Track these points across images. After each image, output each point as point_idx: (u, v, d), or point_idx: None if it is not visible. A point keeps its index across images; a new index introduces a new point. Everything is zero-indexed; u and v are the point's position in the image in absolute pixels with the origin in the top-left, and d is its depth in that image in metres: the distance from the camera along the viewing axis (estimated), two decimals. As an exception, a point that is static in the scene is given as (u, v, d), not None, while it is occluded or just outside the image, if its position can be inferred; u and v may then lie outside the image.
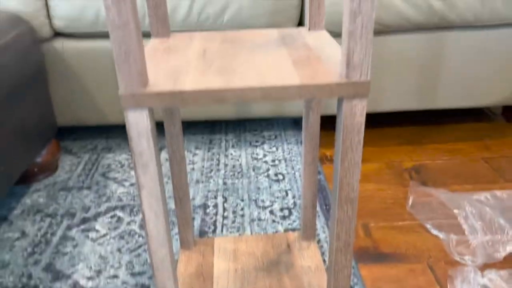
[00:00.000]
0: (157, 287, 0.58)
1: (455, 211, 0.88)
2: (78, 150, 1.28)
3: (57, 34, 1.15)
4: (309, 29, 0.67)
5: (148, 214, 0.53)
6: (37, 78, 1.06)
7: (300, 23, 1.17)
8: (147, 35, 1.09)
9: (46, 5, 1.10)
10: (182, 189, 0.79)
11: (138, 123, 0.47)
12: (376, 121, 1.40)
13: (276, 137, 1.33)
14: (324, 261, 0.83)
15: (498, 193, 0.97)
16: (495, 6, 1.11)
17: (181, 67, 0.52)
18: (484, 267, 0.79)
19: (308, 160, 0.78)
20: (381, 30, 1.14)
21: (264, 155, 1.22)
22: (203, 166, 1.18)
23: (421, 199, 1.00)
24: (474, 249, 0.82)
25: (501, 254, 0.80)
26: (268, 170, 1.15)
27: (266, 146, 1.27)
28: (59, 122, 1.22)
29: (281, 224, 0.94)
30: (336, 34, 1.08)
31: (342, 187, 0.53)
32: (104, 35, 1.13)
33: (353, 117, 0.49)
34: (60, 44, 1.14)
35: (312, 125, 0.75)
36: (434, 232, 0.90)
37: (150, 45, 0.62)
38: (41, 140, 1.07)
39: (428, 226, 0.91)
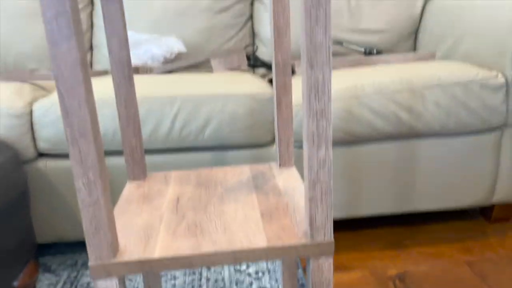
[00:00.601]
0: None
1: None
2: (57, 266, 1.25)
3: (41, 154, 1.17)
4: (279, 166, 0.71)
5: None
6: (19, 200, 1.06)
7: (277, 135, 1.22)
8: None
9: (31, 128, 1.14)
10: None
11: (108, 292, 0.48)
12: (358, 224, 1.41)
13: (259, 244, 1.32)
14: None
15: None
16: (460, 116, 1.18)
17: (152, 225, 0.54)
18: None
19: (287, 286, 0.78)
20: (354, 140, 1.20)
21: (247, 266, 1.21)
22: (184, 282, 1.15)
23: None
24: None
25: None
26: (251, 284, 1.13)
27: (249, 255, 1.26)
28: (39, 239, 1.21)
29: None
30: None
31: None
32: (87, 154, 1.16)
33: (321, 274, 0.50)
34: (44, 163, 1.17)
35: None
36: None
37: (126, 191, 0.65)
38: (19, 263, 1.05)
39: None
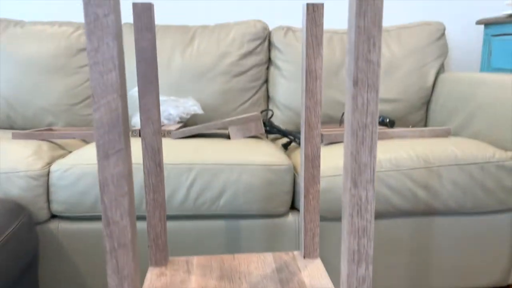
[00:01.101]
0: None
1: None
2: (59, 332, 1.20)
3: (54, 216, 1.17)
4: (304, 257, 0.70)
5: None
6: (30, 265, 1.04)
7: (292, 206, 1.21)
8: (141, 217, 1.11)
9: (47, 190, 1.13)
10: None
11: None
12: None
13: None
14: None
15: None
16: (476, 196, 1.18)
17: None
18: None
19: None
20: (370, 215, 1.18)
21: None
22: None
23: None
24: None
25: None
26: None
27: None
28: (44, 303, 1.18)
29: None
30: (325, 218, 1.11)
31: None
32: (101, 218, 1.15)
33: None
34: (56, 225, 1.15)
35: None
36: None
37: (148, 281, 0.63)
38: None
39: None
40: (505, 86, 1.29)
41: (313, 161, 0.65)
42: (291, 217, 1.20)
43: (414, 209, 1.17)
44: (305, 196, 0.68)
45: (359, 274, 0.44)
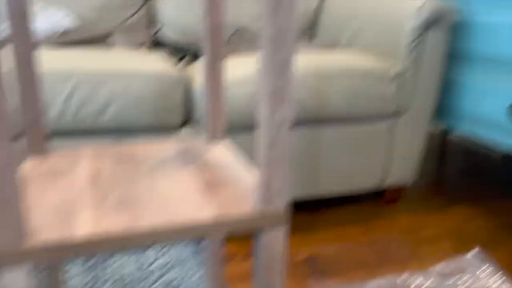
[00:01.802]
0: None
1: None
2: None
3: None
4: (209, 140, 0.65)
5: None
6: None
7: (186, 121, 1.15)
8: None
9: None
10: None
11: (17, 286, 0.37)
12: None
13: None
14: None
15: (389, 277, 1.01)
16: (360, 104, 1.24)
17: (69, 203, 0.44)
18: None
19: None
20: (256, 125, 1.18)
21: (150, 264, 1.11)
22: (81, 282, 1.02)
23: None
24: None
25: None
26: (159, 278, 1.04)
27: (151, 252, 1.16)
28: None
29: None
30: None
31: None
32: None
33: (274, 248, 0.46)
34: None
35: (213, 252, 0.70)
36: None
37: (26, 168, 0.52)
38: None
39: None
40: (385, 1, 1.36)
41: (218, 32, 0.59)
42: (184, 133, 1.13)
43: (304, 118, 1.20)
44: (210, 71, 0.62)
45: (280, 115, 0.40)
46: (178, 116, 1.11)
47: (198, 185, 0.49)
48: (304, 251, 1.20)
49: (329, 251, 1.20)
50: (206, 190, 0.48)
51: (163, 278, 1.04)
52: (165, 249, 1.16)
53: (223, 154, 0.59)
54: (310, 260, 1.16)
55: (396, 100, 1.29)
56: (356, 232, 1.31)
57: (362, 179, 1.35)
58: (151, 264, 1.10)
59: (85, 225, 0.39)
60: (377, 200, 1.53)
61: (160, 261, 1.11)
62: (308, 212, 1.43)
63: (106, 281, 1.03)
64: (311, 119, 1.21)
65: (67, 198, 0.45)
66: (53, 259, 0.37)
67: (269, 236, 0.45)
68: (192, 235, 0.42)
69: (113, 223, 0.40)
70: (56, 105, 0.99)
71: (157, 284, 1.02)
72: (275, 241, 0.45)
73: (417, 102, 1.33)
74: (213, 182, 0.50)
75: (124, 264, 1.10)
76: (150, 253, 1.15)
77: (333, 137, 1.27)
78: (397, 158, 1.38)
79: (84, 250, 0.38)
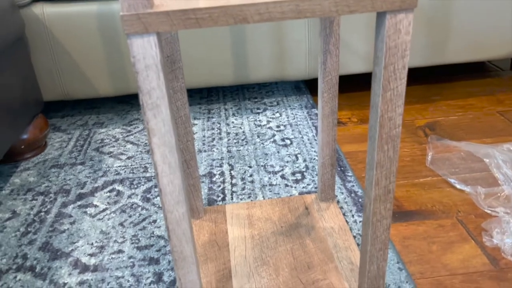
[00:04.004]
0: (173, 252, 0.50)
1: (486, 160, 0.82)
2: (67, 127, 1.19)
3: (36, -2, 1.05)
4: None
5: (161, 167, 0.45)
6: (18, 46, 0.96)
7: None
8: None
9: (22, -35, 0.99)
10: (188, 152, 0.72)
11: (146, 53, 0.40)
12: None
13: (278, 103, 1.25)
14: (347, 222, 0.77)
15: (521, 143, 0.91)
16: None
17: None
18: (519, 218, 0.73)
19: (326, 112, 0.71)
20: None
21: (268, 122, 1.15)
22: (204, 136, 1.10)
23: (440, 155, 0.94)
24: (507, 200, 0.76)
25: (535, 203, 0.75)
26: (273, 136, 1.08)
27: (268, 113, 1.20)
28: (45, 96, 1.13)
29: (295, 188, 0.88)
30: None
31: (383, 123, 0.46)
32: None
33: (397, 36, 0.42)
34: (40, 9, 1.04)
35: (330, 71, 0.68)
36: (459, 186, 0.84)
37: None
38: (26, 115, 0.98)
39: (452, 181, 0.86)
40: None
41: None
42: None
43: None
44: None
45: None
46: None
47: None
48: (424, 118, 1.13)
49: (453, 118, 1.12)
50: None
51: (278, 135, 1.08)
52: (277, 114, 1.19)
53: None
54: (432, 125, 1.09)
55: None
56: (485, 102, 1.19)
57: (494, 46, 1.18)
58: (267, 123, 1.14)
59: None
60: (509, 74, 1.35)
61: (275, 123, 1.14)
62: (433, 82, 1.33)
63: (228, 133, 1.10)
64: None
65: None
66: (176, 28, 0.38)
67: (394, 20, 0.41)
68: (312, 10, 0.39)
69: None
70: None
71: (272, 139, 1.06)
72: (400, 27, 0.41)
73: None
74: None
75: (244, 123, 1.15)
76: (266, 116, 1.18)
77: (465, 2, 1.10)
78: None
79: (205, 19, 0.39)
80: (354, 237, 0.73)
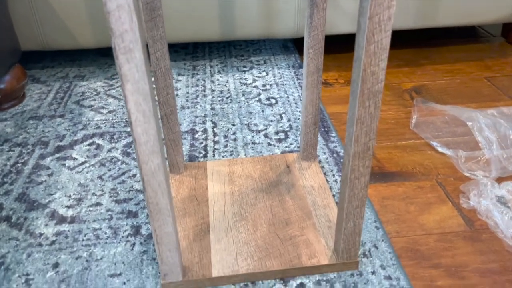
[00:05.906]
0: (148, 204, 0.50)
1: (469, 123, 0.82)
2: (47, 78, 1.15)
3: None
4: None
5: (135, 115, 0.44)
6: (-8, -11, 0.91)
7: None
8: None
9: None
10: (169, 105, 0.70)
11: (117, -9, 0.37)
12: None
13: (265, 62, 1.23)
14: (327, 181, 0.77)
15: (505, 109, 0.91)
16: None
17: None
18: (497, 181, 0.74)
19: (311, 69, 0.69)
20: None
21: (254, 80, 1.13)
22: (187, 92, 1.08)
23: (425, 118, 0.93)
24: (487, 163, 0.76)
25: (514, 168, 0.75)
26: (259, 94, 1.06)
27: (255, 71, 1.17)
28: (23, 46, 1.09)
29: (278, 147, 0.87)
30: None
31: (365, 78, 0.45)
32: None
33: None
34: (16, -49, 0.98)
35: (316, 25, 0.66)
36: (441, 149, 0.84)
37: None
38: (2, 64, 0.95)
39: (434, 144, 0.86)
40: None
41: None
42: None
43: None
44: None
45: None
46: None
47: None
48: (411, 81, 1.12)
49: (441, 83, 1.11)
50: None
51: (264, 94, 1.06)
52: (263, 73, 1.16)
53: None
54: (418, 89, 1.08)
55: None
56: (473, 68, 1.18)
57: (486, 11, 1.16)
58: (253, 82, 1.12)
59: None
60: (499, 40, 1.34)
61: (261, 82, 1.12)
62: (423, 46, 1.31)
63: (213, 91, 1.08)
64: None
65: None
66: None
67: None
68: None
69: None
70: None
71: (257, 98, 1.05)
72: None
73: None
74: None
75: (229, 81, 1.13)
76: (252, 74, 1.16)
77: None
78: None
79: None
80: (334, 196, 0.74)
